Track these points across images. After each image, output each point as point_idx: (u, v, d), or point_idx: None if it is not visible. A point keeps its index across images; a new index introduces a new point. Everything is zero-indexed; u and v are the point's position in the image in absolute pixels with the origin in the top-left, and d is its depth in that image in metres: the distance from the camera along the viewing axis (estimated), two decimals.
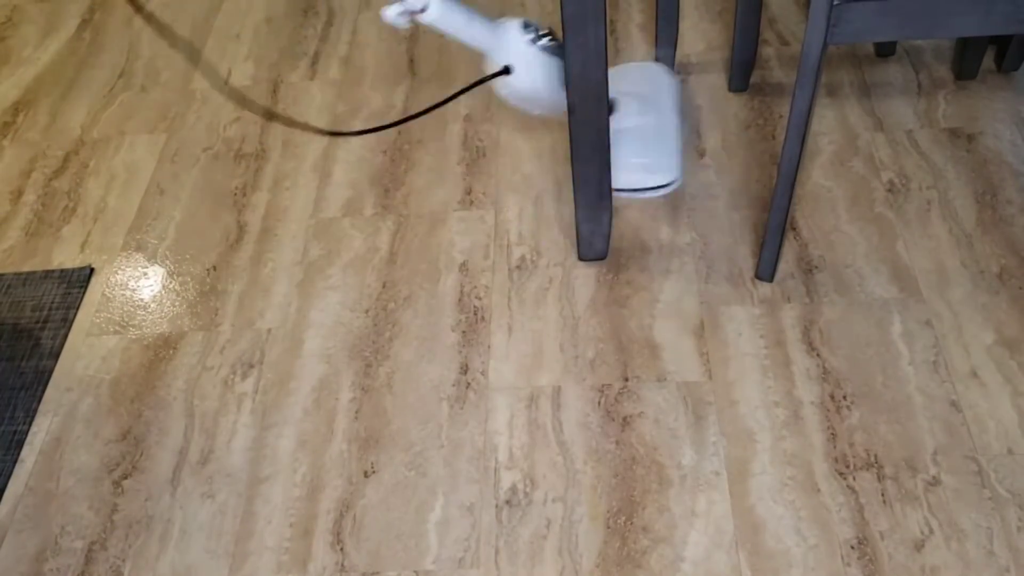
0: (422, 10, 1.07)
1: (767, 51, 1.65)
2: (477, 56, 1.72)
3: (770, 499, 1.09)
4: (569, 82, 1.11)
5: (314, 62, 1.76)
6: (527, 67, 1.17)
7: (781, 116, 1.53)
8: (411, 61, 1.73)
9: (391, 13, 1.07)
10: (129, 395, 1.28)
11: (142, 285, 1.42)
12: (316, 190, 1.52)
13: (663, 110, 1.43)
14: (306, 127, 0.95)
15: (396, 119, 1.61)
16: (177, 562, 1.11)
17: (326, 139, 1.59)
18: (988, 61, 1.56)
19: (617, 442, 1.16)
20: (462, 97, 1.64)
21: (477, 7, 1.15)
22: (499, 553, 1.08)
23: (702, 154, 1.49)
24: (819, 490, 1.09)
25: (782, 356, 1.22)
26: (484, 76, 1.18)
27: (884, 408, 1.15)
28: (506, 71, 1.17)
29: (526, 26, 1.18)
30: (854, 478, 1.10)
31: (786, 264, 1.32)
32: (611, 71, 1.50)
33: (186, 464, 1.19)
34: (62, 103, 1.75)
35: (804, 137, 1.12)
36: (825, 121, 1.51)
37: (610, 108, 1.28)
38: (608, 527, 1.09)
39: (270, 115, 1.00)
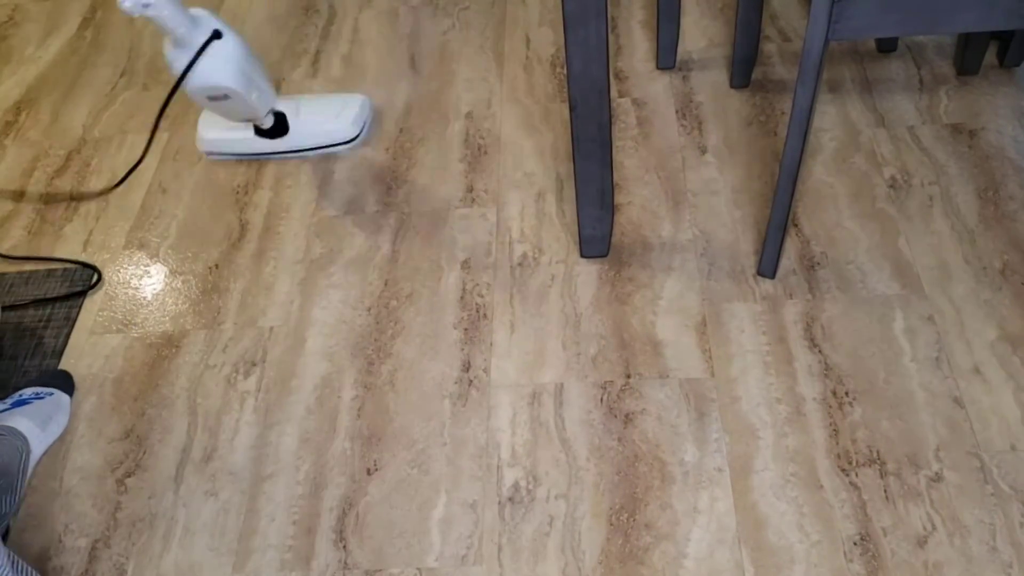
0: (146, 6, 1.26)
1: (769, 47, 1.65)
2: (476, 54, 1.72)
3: (773, 495, 1.09)
4: (570, 80, 1.11)
5: (315, 60, 1.76)
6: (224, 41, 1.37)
7: (783, 112, 1.53)
8: (412, 58, 1.73)
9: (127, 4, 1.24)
10: (132, 393, 1.28)
11: (144, 284, 1.42)
12: (318, 188, 1.52)
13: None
14: None
15: (398, 116, 1.61)
16: (180, 560, 1.11)
17: None
18: (990, 56, 1.55)
19: (619, 439, 1.16)
20: (463, 94, 1.64)
21: None
22: (502, 550, 1.08)
23: (704, 150, 1.49)
24: (821, 486, 1.09)
25: (784, 353, 1.22)
26: (198, 50, 1.33)
27: (886, 404, 1.15)
28: (217, 35, 1.35)
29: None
30: (856, 474, 1.10)
31: (788, 261, 1.32)
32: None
33: (189, 462, 1.20)
34: (64, 102, 1.75)
35: (806, 133, 1.12)
36: (827, 117, 1.51)
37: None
38: (611, 524, 1.09)
39: None
